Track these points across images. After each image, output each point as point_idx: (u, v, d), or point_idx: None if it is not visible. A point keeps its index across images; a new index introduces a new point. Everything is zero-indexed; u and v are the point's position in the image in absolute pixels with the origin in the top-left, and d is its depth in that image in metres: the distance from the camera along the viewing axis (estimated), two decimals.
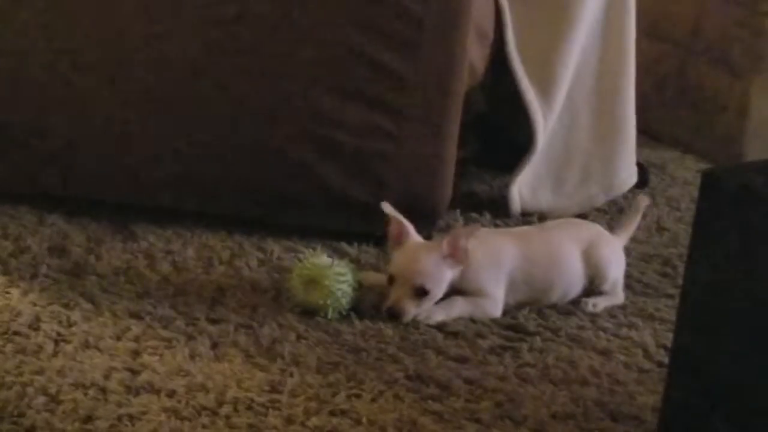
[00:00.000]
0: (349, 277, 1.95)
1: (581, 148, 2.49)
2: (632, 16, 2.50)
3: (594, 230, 2.14)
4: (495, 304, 2.01)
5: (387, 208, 2.00)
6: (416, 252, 1.96)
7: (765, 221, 1.29)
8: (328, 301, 1.92)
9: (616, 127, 2.51)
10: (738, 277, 1.36)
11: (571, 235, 2.09)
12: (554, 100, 2.42)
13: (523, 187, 2.42)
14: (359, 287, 1.97)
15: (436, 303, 1.97)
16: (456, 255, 1.95)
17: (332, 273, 1.93)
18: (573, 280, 2.07)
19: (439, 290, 1.96)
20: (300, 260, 1.99)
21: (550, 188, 2.45)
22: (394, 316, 1.94)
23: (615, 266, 2.10)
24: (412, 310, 1.94)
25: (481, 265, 1.99)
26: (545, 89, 2.41)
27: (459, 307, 1.98)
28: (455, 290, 2.00)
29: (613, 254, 2.10)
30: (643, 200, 2.21)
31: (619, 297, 2.10)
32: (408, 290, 1.94)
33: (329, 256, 2.00)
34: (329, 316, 1.92)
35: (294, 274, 1.96)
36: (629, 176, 2.54)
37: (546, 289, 2.05)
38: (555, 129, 2.45)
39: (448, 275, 1.96)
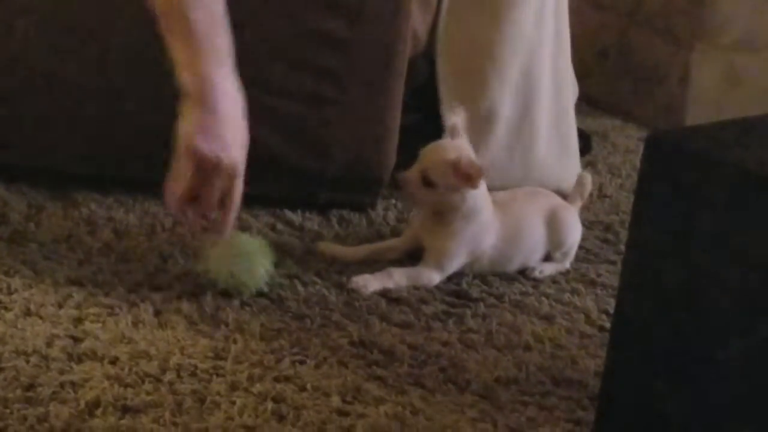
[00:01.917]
0: (269, 256, 1.92)
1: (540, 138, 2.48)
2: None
3: (555, 199, 2.16)
4: (437, 277, 2.02)
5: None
6: (442, 148, 2.01)
7: (706, 185, 1.31)
8: (251, 281, 1.88)
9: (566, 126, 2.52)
10: (678, 242, 1.38)
11: (536, 205, 2.12)
12: (482, 98, 2.40)
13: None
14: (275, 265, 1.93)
15: (374, 273, 1.98)
16: (467, 178, 1.96)
17: (258, 252, 1.90)
18: (535, 250, 2.10)
19: (444, 189, 1.98)
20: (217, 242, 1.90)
21: (503, 167, 2.44)
22: (397, 185, 2.05)
23: (574, 234, 2.13)
24: (414, 191, 2.00)
25: (458, 234, 2.02)
26: (471, 89, 2.40)
27: (396, 278, 1.99)
28: (419, 242, 2.04)
29: (574, 222, 2.14)
30: (585, 177, 2.23)
31: (566, 264, 2.12)
32: (418, 174, 1.99)
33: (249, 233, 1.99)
34: (246, 296, 1.88)
35: (214, 254, 1.89)
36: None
37: (508, 262, 2.08)
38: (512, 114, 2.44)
39: (452, 184, 1.97)
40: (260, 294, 1.89)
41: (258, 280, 1.89)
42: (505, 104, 2.40)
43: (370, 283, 1.96)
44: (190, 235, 2.00)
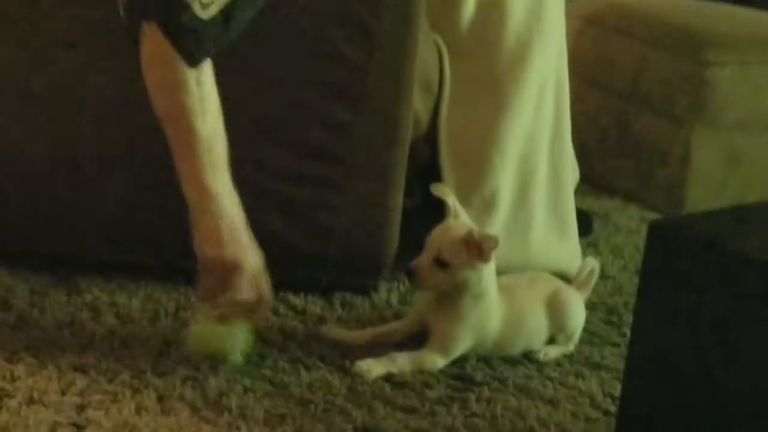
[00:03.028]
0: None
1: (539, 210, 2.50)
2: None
3: (557, 283, 2.17)
4: (441, 361, 2.01)
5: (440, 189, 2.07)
6: (450, 228, 2.01)
7: (708, 270, 1.31)
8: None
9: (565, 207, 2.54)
10: (683, 326, 1.38)
11: (539, 289, 2.12)
12: (485, 182, 2.42)
13: None
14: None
15: (375, 358, 1.97)
16: (480, 252, 1.96)
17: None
18: (538, 334, 2.10)
19: (458, 268, 1.98)
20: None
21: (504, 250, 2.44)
22: (410, 274, 2.02)
23: (577, 317, 2.13)
24: (428, 276, 1.98)
25: (465, 317, 2.02)
26: (475, 174, 2.42)
27: (399, 363, 1.98)
28: (423, 325, 2.04)
29: (577, 305, 2.14)
30: (591, 265, 2.23)
31: (569, 347, 2.12)
32: (431, 257, 1.98)
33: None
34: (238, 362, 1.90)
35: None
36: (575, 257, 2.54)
37: (511, 345, 2.08)
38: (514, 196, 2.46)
39: (466, 261, 1.97)
40: (263, 378, 1.89)
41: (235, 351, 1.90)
42: (506, 188, 2.42)
43: (374, 367, 1.95)
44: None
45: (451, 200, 2.05)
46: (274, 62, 2.15)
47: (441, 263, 1.98)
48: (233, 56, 2.12)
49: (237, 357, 1.90)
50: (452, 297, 2.01)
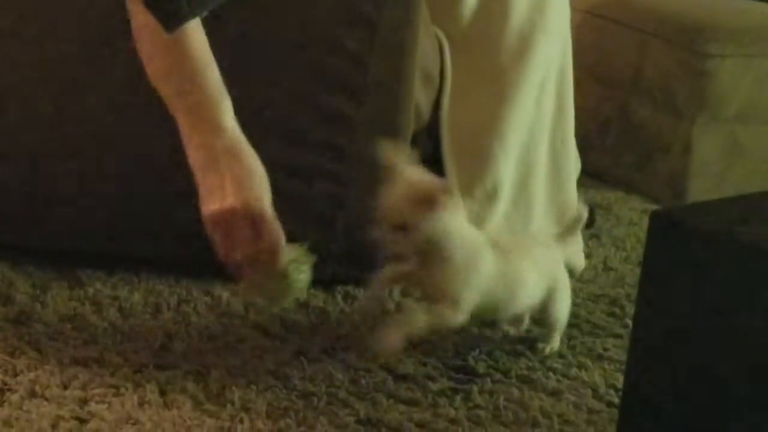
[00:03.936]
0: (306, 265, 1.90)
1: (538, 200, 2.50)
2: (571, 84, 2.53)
3: (559, 269, 2.07)
4: (459, 317, 1.90)
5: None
6: (396, 188, 1.84)
7: (711, 261, 1.31)
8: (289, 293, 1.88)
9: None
10: (685, 318, 1.38)
11: (541, 266, 2.02)
12: (487, 174, 2.42)
13: None
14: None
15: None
16: (431, 204, 1.82)
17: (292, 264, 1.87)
18: (525, 309, 2.04)
19: (415, 227, 1.83)
20: None
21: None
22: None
23: (562, 311, 2.07)
24: (391, 245, 1.85)
25: (456, 265, 1.89)
26: (477, 165, 2.42)
27: (415, 321, 1.86)
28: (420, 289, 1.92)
29: (567, 299, 2.08)
30: (581, 210, 2.15)
31: (556, 337, 2.09)
32: (387, 226, 1.85)
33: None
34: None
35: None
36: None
37: (503, 306, 2.00)
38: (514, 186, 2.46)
39: (418, 217, 1.82)
40: (266, 371, 1.89)
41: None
42: (507, 180, 2.42)
43: (389, 335, 1.83)
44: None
45: (399, 162, 1.88)
46: (275, 55, 2.15)
47: (399, 227, 1.82)
48: (233, 49, 2.12)
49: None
50: (432, 256, 1.87)
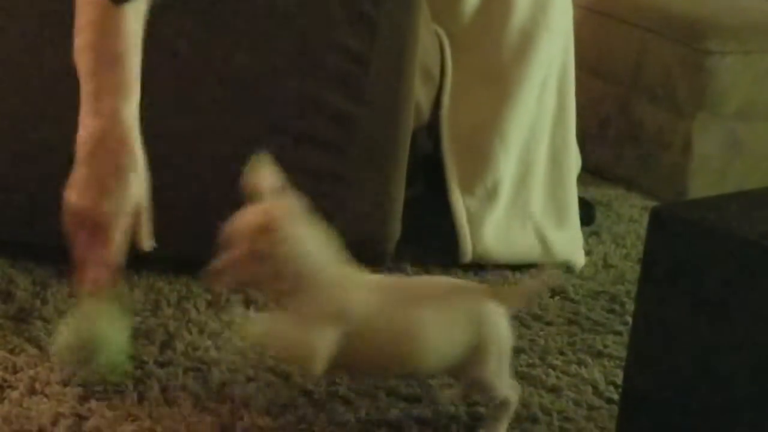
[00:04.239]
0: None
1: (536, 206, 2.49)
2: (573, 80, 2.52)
3: (489, 325, 1.68)
4: (312, 360, 1.61)
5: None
6: (248, 212, 1.67)
7: (711, 257, 1.31)
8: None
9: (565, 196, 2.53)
10: (685, 314, 1.38)
11: (456, 319, 1.66)
12: (488, 172, 2.41)
13: (478, 232, 2.42)
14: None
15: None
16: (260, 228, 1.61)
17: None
18: (431, 369, 1.71)
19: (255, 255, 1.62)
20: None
21: (504, 238, 2.44)
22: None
23: (499, 376, 1.70)
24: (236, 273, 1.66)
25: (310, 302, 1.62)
26: (478, 163, 2.41)
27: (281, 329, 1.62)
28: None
29: (500, 361, 1.70)
30: (555, 275, 1.92)
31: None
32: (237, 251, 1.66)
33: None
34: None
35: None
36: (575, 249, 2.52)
37: (385, 366, 1.69)
38: (513, 181, 2.45)
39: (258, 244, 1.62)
40: (266, 369, 1.89)
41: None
42: (507, 178, 2.42)
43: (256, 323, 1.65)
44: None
45: (267, 182, 1.69)
46: (275, 54, 2.15)
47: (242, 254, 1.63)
48: (233, 49, 2.13)
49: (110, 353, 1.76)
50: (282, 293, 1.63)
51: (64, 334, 1.79)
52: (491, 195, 2.41)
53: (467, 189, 2.41)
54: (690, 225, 1.29)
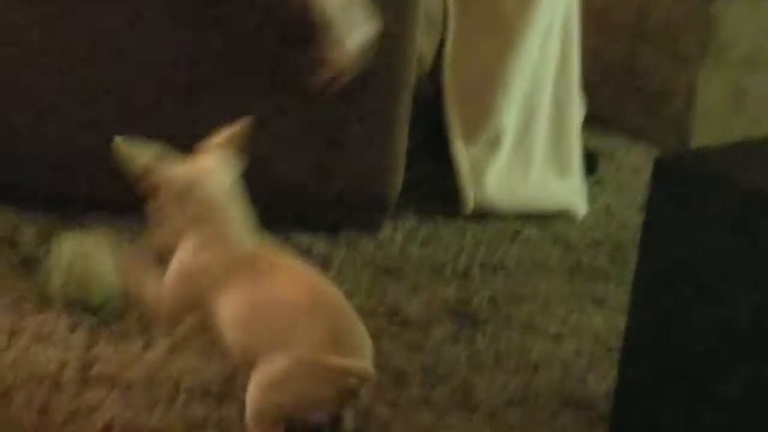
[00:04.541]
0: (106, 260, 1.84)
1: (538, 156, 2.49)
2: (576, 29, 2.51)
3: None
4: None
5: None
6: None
7: (715, 206, 1.31)
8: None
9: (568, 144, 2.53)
10: (688, 262, 1.38)
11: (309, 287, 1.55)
12: (490, 120, 2.41)
13: (480, 181, 2.42)
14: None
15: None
16: None
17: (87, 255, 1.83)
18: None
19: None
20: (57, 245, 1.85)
21: (506, 187, 2.44)
22: None
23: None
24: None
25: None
26: (480, 112, 2.41)
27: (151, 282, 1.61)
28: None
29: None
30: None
31: None
32: None
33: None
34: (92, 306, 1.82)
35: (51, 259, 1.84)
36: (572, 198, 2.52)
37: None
38: (517, 128, 2.45)
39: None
40: None
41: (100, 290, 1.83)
42: (510, 126, 2.42)
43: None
44: None
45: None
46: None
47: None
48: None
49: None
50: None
51: (57, 272, 1.83)
52: (493, 144, 2.41)
53: (469, 138, 2.41)
54: (694, 174, 1.29)
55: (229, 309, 1.54)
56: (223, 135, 1.63)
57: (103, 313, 1.83)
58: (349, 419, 1.55)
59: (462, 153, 2.40)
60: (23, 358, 1.71)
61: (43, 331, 1.78)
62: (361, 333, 1.51)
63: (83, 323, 1.82)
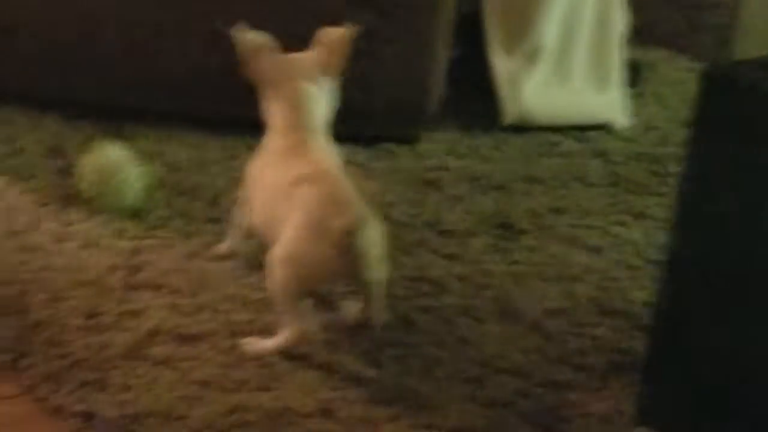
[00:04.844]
0: (134, 168, 1.91)
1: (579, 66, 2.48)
2: None
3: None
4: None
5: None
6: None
7: (762, 117, 1.30)
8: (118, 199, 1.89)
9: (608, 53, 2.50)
10: (732, 175, 1.38)
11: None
12: (530, 32, 2.39)
13: (519, 93, 2.41)
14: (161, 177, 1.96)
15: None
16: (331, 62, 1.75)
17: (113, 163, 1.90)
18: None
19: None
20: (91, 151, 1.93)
21: (546, 100, 2.43)
22: None
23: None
24: None
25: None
26: (520, 23, 2.38)
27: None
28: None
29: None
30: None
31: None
32: None
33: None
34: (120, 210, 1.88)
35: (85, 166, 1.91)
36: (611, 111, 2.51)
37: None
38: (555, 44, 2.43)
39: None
40: None
41: (126, 195, 1.89)
42: (549, 38, 2.40)
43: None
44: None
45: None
46: None
47: None
48: None
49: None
50: None
51: (88, 170, 1.89)
52: (533, 56, 2.40)
53: (509, 50, 2.39)
54: (740, 85, 1.28)
55: (257, 197, 1.68)
56: (329, 34, 1.77)
57: (130, 214, 1.88)
58: (377, 312, 1.63)
59: (501, 64, 2.39)
60: (71, 263, 1.74)
61: (90, 237, 1.81)
62: (350, 195, 1.59)
63: (129, 230, 1.84)
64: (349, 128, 2.23)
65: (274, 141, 1.71)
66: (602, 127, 2.45)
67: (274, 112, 1.73)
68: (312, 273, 1.55)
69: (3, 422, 1.43)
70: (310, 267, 1.55)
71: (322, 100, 1.74)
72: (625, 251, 1.96)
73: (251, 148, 2.15)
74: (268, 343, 1.57)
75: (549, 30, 2.40)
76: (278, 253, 1.56)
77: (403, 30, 2.20)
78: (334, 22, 2.10)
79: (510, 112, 2.39)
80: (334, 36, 1.76)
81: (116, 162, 1.90)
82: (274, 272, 1.56)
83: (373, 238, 1.57)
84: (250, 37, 1.73)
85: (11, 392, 1.48)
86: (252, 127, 2.19)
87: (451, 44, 2.31)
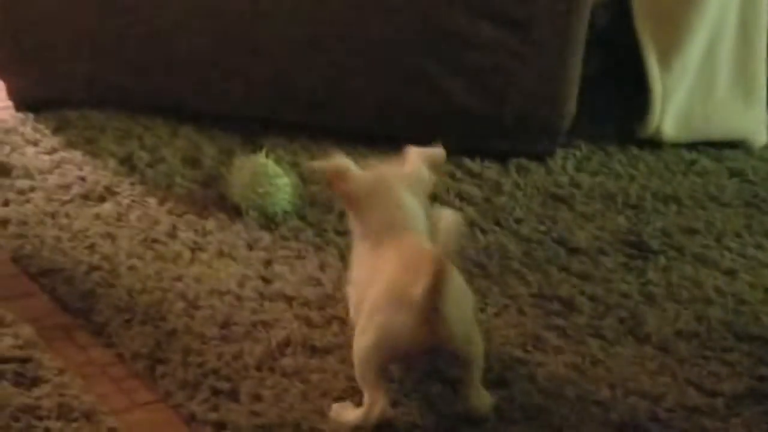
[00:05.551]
0: (284, 177, 1.97)
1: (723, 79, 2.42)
2: None
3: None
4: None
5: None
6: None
7: None
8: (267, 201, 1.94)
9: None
10: None
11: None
12: (688, 44, 2.34)
13: (665, 108, 2.37)
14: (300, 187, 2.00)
15: None
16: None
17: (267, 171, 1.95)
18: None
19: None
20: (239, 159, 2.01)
21: (685, 115, 2.38)
22: None
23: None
24: None
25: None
26: (675, 36, 2.34)
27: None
28: None
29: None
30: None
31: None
32: None
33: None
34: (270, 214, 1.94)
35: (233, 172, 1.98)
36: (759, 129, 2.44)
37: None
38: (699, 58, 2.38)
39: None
40: None
41: (277, 200, 1.95)
42: (699, 49, 2.35)
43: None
44: None
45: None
46: None
47: None
48: None
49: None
50: None
51: (238, 174, 1.95)
52: (686, 69, 2.34)
53: (665, 64, 2.33)
54: None
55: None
56: (417, 154, 1.65)
57: (276, 217, 1.93)
58: (475, 400, 1.51)
59: (657, 79, 2.33)
60: (206, 272, 1.78)
61: (224, 248, 1.85)
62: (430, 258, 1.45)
63: (261, 241, 1.88)
64: (480, 143, 2.25)
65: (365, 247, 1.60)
66: (739, 146, 2.40)
67: (368, 223, 1.60)
68: (394, 344, 1.46)
69: (142, 428, 1.47)
70: (385, 337, 1.46)
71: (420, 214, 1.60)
72: (760, 274, 1.91)
73: (382, 161, 2.18)
74: (351, 416, 1.48)
75: (700, 41, 2.35)
76: (359, 323, 1.50)
77: (538, 46, 2.20)
78: (474, 44, 2.12)
79: (653, 125, 2.34)
80: (427, 156, 1.66)
81: (268, 169, 1.95)
82: (355, 343, 1.49)
83: (457, 300, 1.46)
84: (333, 163, 1.61)
85: (149, 399, 1.53)
86: (383, 140, 2.23)
87: (586, 61, 2.29)
